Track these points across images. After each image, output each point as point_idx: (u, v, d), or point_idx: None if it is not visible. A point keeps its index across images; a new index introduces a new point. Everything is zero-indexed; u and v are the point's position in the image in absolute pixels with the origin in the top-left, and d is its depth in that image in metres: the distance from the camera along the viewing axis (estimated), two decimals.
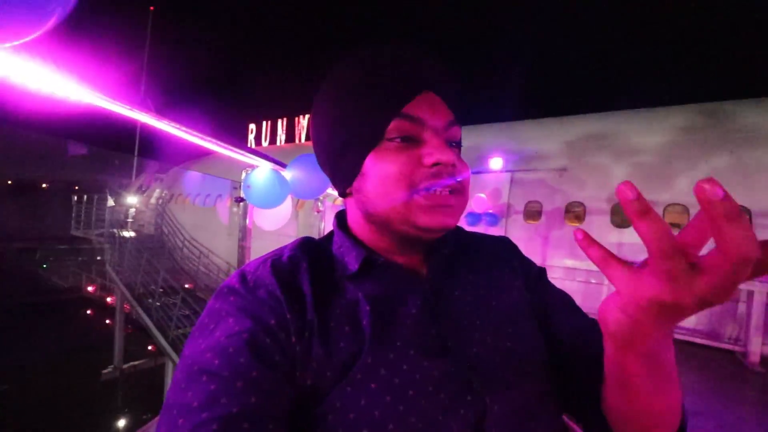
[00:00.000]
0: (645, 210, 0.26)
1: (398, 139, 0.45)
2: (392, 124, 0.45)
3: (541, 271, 0.60)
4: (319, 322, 0.43)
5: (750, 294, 4.25)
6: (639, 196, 0.26)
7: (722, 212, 0.23)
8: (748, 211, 4.91)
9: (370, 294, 0.46)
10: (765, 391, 3.53)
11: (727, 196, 0.23)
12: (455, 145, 0.50)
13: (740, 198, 4.98)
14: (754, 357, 4.09)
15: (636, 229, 0.27)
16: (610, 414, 0.44)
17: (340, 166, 0.50)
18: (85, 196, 12.67)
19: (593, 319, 0.54)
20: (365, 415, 0.39)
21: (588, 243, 0.31)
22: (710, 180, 0.23)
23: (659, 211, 5.43)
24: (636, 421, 0.42)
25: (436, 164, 0.44)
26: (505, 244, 0.63)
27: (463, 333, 0.47)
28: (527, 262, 0.61)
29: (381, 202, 0.46)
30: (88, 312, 15.33)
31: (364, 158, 0.47)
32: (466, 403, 0.42)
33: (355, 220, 0.53)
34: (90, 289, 16.03)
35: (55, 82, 1.18)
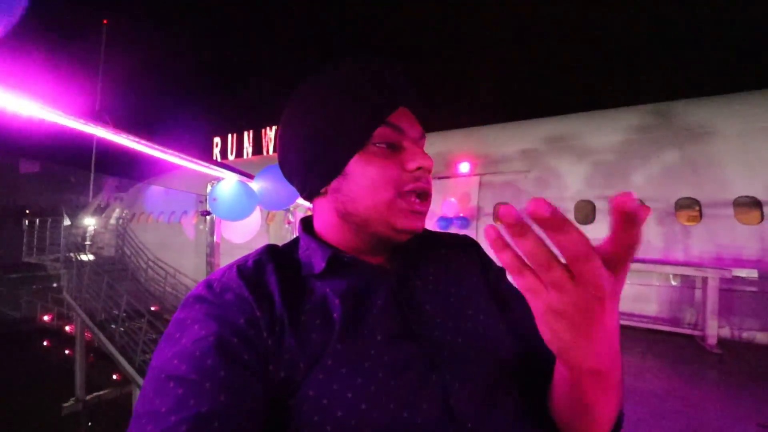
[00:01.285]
0: (524, 231, 0.29)
1: (384, 145, 0.50)
2: (378, 131, 0.49)
3: (501, 271, 0.64)
4: (290, 316, 0.44)
5: (704, 280, 4.53)
6: (518, 220, 0.28)
7: (549, 226, 0.27)
8: (697, 203, 5.24)
9: (338, 289, 0.48)
10: (723, 370, 3.75)
11: (553, 212, 0.26)
12: None
13: (690, 190, 5.32)
14: (712, 340, 4.35)
15: (517, 246, 0.29)
16: (554, 414, 0.47)
17: (319, 165, 0.51)
18: (38, 220, 11.91)
19: None
20: (338, 398, 0.40)
21: (500, 246, 0.30)
22: (538, 201, 0.27)
23: None
24: (578, 425, 0.43)
25: (418, 168, 0.50)
26: (465, 240, 0.67)
27: (426, 318, 0.50)
28: (487, 259, 0.65)
29: (363, 203, 0.49)
30: (45, 343, 14.33)
31: (347, 159, 0.50)
32: (433, 382, 0.44)
33: (325, 221, 0.55)
34: (46, 318, 15.02)
35: (5, 97, 1.11)
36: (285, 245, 0.57)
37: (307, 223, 0.58)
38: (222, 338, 0.40)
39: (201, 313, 0.43)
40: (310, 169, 0.53)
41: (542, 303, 0.31)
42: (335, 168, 0.51)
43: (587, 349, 0.32)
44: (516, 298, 0.60)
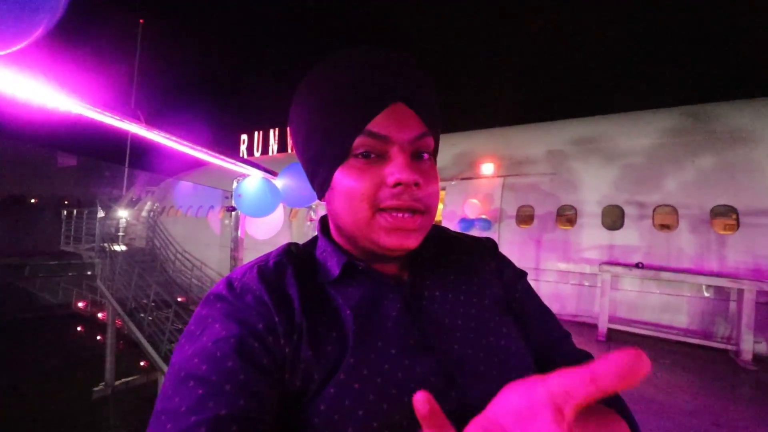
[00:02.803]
0: None
1: (362, 156, 0.46)
2: (357, 141, 0.45)
3: (522, 274, 0.61)
4: (308, 325, 0.44)
5: (740, 292, 4.30)
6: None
7: None
8: (734, 210, 4.99)
9: (351, 299, 0.47)
10: (758, 388, 3.56)
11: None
12: (427, 155, 0.49)
13: (726, 197, 5.06)
14: (747, 355, 4.12)
15: None
16: None
17: (315, 177, 0.51)
18: (75, 211, 12.53)
19: (566, 331, 0.57)
20: (350, 414, 0.39)
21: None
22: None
23: (649, 212, 5.50)
24: None
25: (398, 184, 0.45)
26: (486, 244, 0.64)
27: (445, 331, 0.48)
28: (507, 262, 0.62)
29: (347, 219, 0.47)
30: (79, 328, 15.04)
31: (333, 173, 0.48)
32: (451, 399, 0.42)
33: (332, 228, 0.54)
34: (81, 304, 15.77)
35: (45, 93, 1.17)
36: (305, 244, 0.56)
37: (324, 222, 0.57)
38: (243, 341, 0.40)
39: (221, 313, 0.43)
40: (311, 179, 0.53)
41: None
42: (325, 181, 0.49)
43: None
44: (532, 305, 0.57)
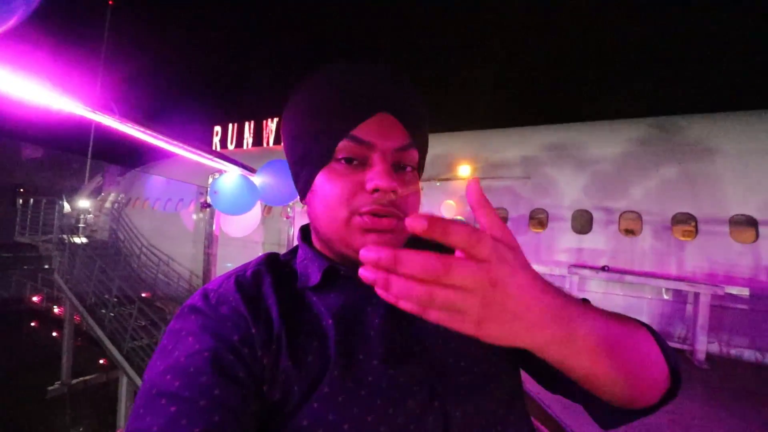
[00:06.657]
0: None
1: (344, 161, 0.46)
2: (340, 145, 0.46)
3: None
4: (287, 335, 0.43)
5: (696, 296, 4.56)
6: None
7: (435, 235, 0.26)
8: (693, 218, 5.28)
9: (333, 306, 0.47)
10: (711, 386, 3.78)
11: (431, 221, 0.26)
12: (410, 168, 0.49)
13: (686, 206, 5.34)
14: (701, 355, 4.37)
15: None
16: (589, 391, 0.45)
17: (298, 179, 0.52)
18: (32, 200, 11.79)
19: None
20: (334, 428, 0.39)
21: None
22: (412, 219, 0.26)
23: (615, 217, 5.74)
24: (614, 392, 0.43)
25: (375, 190, 0.45)
26: None
27: (427, 339, 0.48)
28: None
29: (324, 222, 0.48)
30: (33, 324, 14.22)
31: (314, 175, 0.48)
32: (434, 409, 0.43)
33: (313, 235, 0.55)
34: (35, 299, 14.90)
35: (16, 83, 1.09)
36: (285, 254, 0.56)
37: (305, 231, 0.57)
38: (217, 354, 0.39)
39: (196, 326, 0.42)
40: (294, 180, 0.53)
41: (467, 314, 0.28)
42: (306, 184, 0.50)
43: (519, 327, 0.29)
44: None
